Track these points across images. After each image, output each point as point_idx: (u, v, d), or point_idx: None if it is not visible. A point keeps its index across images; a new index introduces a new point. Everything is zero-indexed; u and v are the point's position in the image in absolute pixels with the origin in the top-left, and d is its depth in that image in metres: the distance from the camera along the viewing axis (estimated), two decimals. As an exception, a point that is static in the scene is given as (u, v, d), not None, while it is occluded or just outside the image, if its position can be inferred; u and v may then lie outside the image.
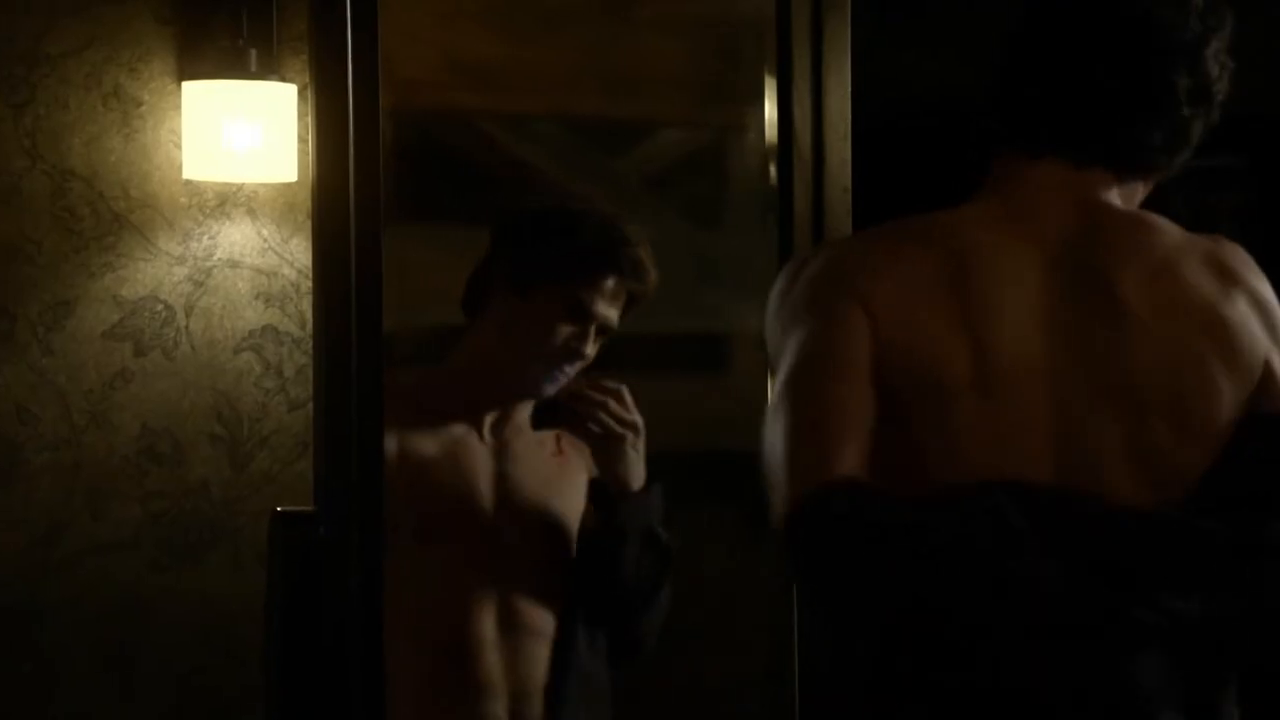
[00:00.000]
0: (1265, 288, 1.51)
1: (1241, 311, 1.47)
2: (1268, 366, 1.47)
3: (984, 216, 1.49)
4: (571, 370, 2.28)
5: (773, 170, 2.39)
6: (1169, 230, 1.50)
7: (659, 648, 2.35)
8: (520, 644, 2.27)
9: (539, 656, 2.28)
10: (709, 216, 2.86)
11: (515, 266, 2.27)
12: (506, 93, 2.76)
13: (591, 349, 2.27)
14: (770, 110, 2.37)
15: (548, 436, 2.35)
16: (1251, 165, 3.39)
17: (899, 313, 1.46)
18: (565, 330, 2.26)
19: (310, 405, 2.36)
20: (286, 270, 2.50)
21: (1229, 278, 1.49)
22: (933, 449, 1.45)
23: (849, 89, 2.32)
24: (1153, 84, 1.47)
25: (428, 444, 2.25)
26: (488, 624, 2.26)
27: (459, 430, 2.27)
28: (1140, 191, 1.54)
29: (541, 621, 2.29)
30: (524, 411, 2.34)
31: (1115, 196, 1.51)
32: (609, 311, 2.28)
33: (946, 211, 1.51)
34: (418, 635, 2.22)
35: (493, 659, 2.25)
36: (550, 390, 2.29)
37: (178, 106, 2.43)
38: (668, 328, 2.78)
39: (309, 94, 2.18)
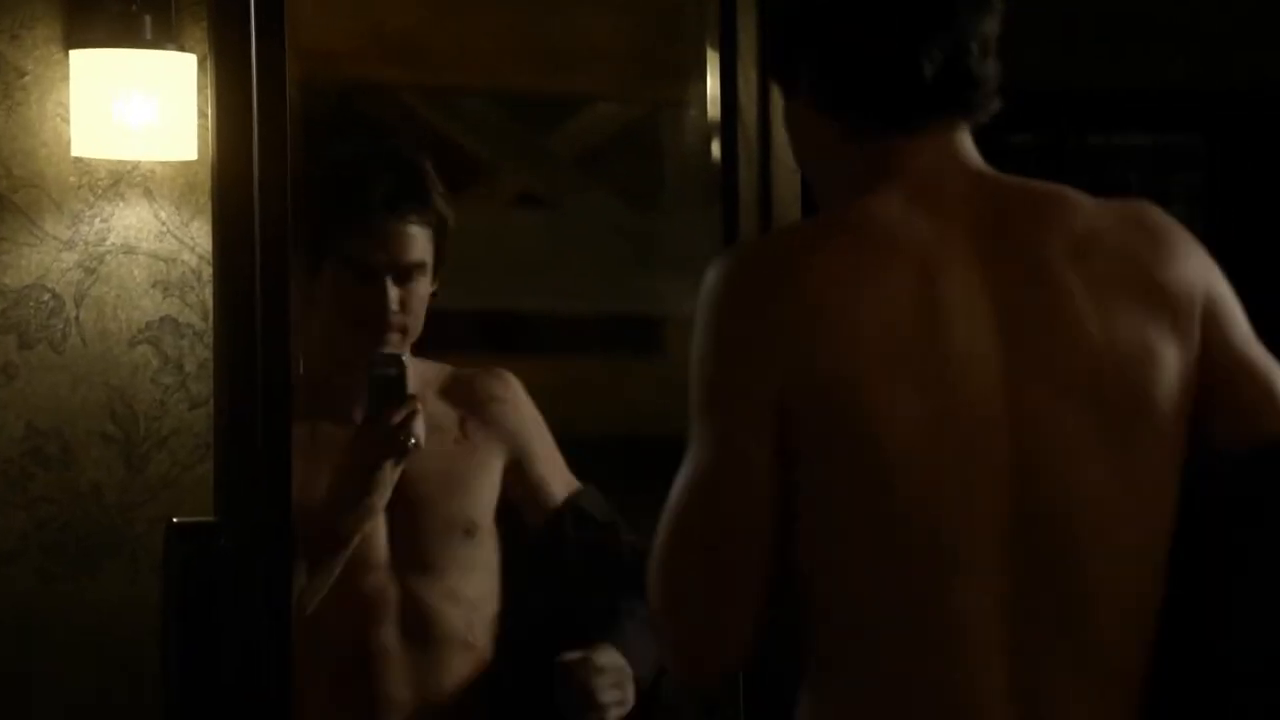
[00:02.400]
0: (1190, 242, 1.43)
1: (1173, 271, 1.40)
2: (1209, 314, 1.41)
3: (910, 207, 1.42)
4: (395, 336, 2.12)
5: (715, 148, 2.31)
6: (1083, 199, 1.44)
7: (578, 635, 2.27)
8: (427, 653, 2.18)
9: (450, 665, 2.18)
10: (646, 195, 2.85)
11: (306, 235, 2.11)
12: (430, 65, 2.75)
13: (398, 296, 2.10)
14: (713, 85, 2.30)
15: (449, 418, 2.21)
16: (1208, 143, 3.36)
17: (847, 361, 1.38)
18: (358, 298, 2.10)
19: (213, 403, 2.33)
20: (187, 256, 2.42)
21: (1156, 238, 1.42)
22: (870, 493, 1.37)
23: None
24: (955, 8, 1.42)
25: (303, 444, 2.12)
26: (389, 633, 2.16)
27: (329, 425, 2.15)
28: (969, 139, 1.48)
29: (451, 628, 2.18)
30: (410, 386, 2.18)
31: (973, 150, 1.46)
32: (405, 253, 2.11)
33: (869, 203, 1.43)
34: (316, 647, 2.13)
35: (397, 670, 2.16)
36: (357, 370, 2.13)
37: (65, 77, 2.36)
38: (601, 309, 2.77)
39: (208, 64, 2.15)
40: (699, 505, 1.39)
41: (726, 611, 1.39)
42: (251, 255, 2.03)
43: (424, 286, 2.13)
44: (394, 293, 2.09)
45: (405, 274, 2.10)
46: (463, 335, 2.48)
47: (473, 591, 2.21)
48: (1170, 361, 1.39)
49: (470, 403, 2.23)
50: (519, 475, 2.24)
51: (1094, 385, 1.38)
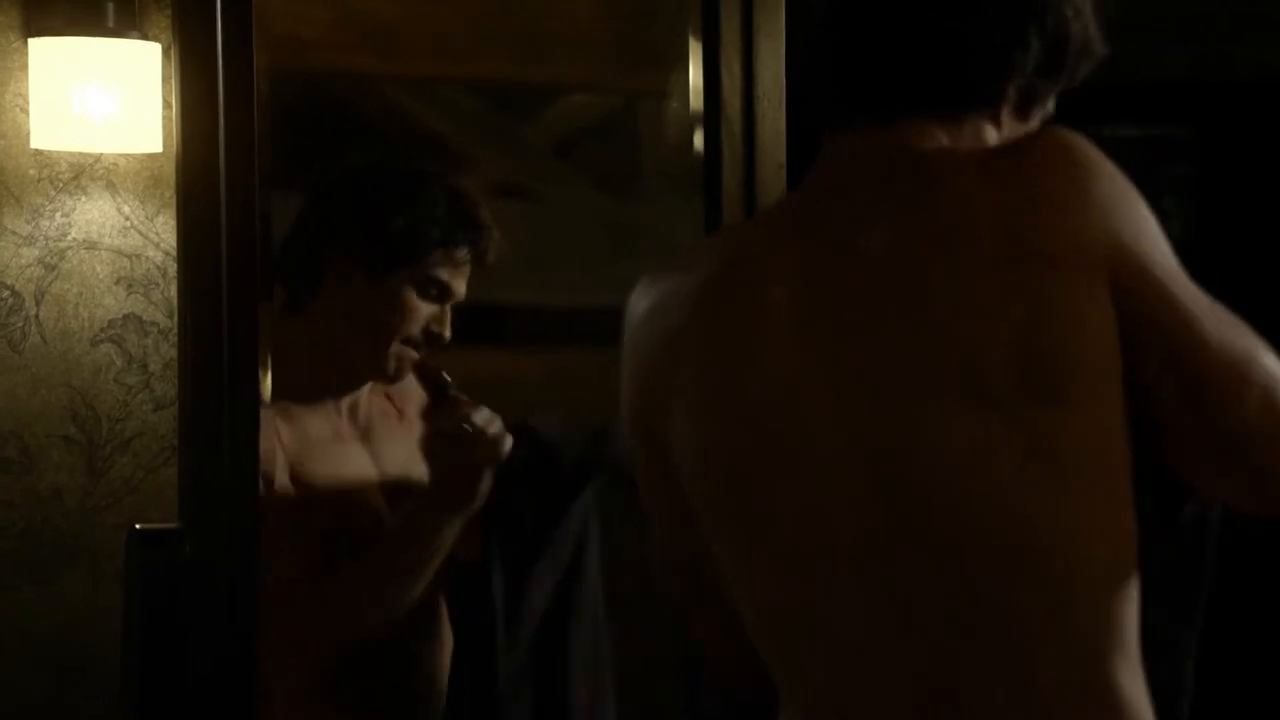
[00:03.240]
0: (1102, 176, 1.31)
1: (1072, 215, 1.27)
2: (1119, 256, 1.27)
3: (798, 210, 1.38)
4: (428, 351, 2.21)
5: (697, 140, 2.30)
6: (953, 156, 1.34)
7: (564, 629, 2.30)
8: (424, 646, 2.19)
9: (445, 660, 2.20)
10: (626, 186, 2.83)
11: (357, 247, 2.16)
12: (406, 53, 2.72)
13: (449, 328, 2.20)
14: (695, 75, 2.28)
15: (378, 399, 2.27)
16: (1200, 135, 3.32)
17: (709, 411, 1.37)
18: (424, 313, 2.19)
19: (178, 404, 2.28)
20: (151, 252, 2.35)
21: (1033, 193, 1.29)
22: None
23: (784, 52, 2.21)
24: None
25: (300, 446, 2.15)
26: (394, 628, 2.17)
27: (320, 423, 2.18)
28: (987, 126, 1.37)
29: (440, 622, 2.21)
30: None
31: (933, 142, 1.37)
32: (462, 285, 2.21)
33: (762, 212, 1.43)
34: (304, 647, 2.12)
35: (398, 664, 2.17)
36: (406, 374, 2.22)
37: (24, 66, 2.28)
38: (581, 301, 2.76)
39: (173, 53, 2.10)
40: (651, 525, 1.43)
41: (713, 633, 1.41)
42: (217, 251, 2.00)
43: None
44: (450, 313, 2.19)
45: (457, 302, 2.21)
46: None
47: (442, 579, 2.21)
48: (1071, 329, 1.27)
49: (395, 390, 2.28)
50: None
51: (977, 386, 1.27)
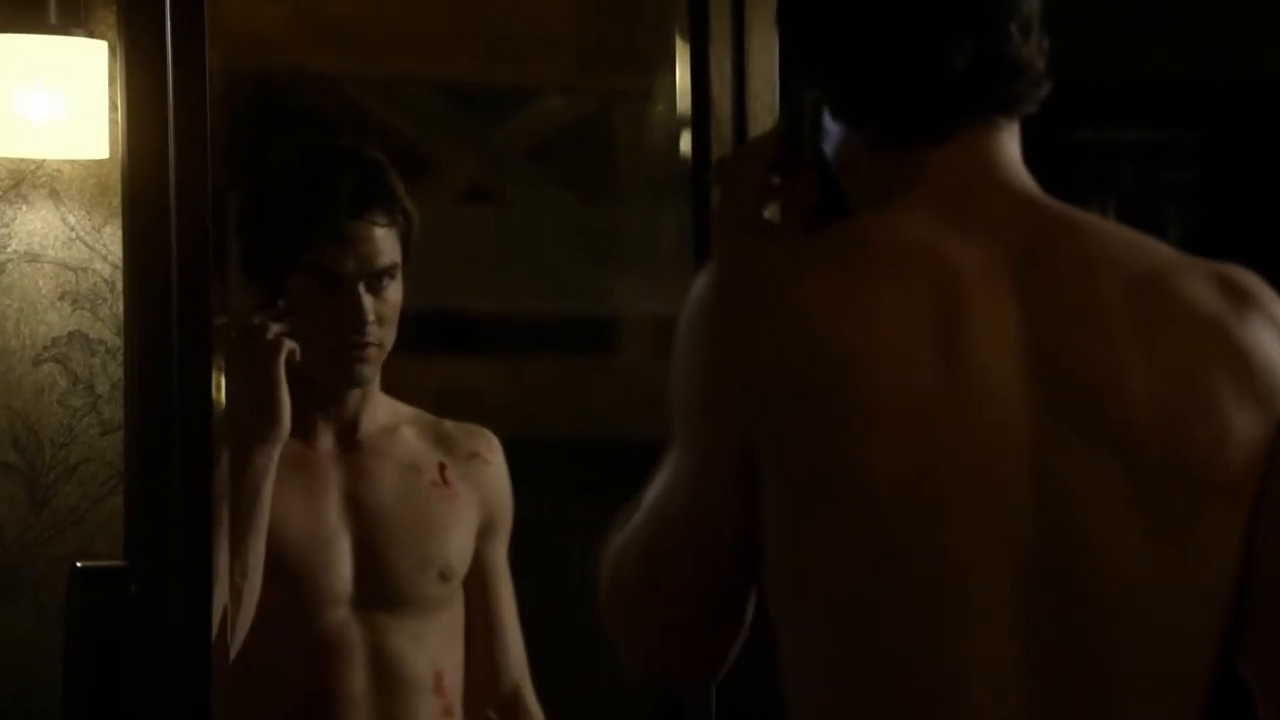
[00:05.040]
0: None
1: (1255, 332, 1.29)
2: None
3: (935, 223, 1.31)
4: (373, 350, 2.07)
5: (683, 144, 2.22)
6: (1146, 242, 1.33)
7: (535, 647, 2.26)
8: (394, 701, 2.11)
9: (416, 712, 2.11)
10: (604, 191, 2.84)
11: (246, 257, 2.06)
12: (371, 52, 2.71)
13: (373, 306, 2.04)
14: (682, 76, 2.20)
15: (428, 460, 2.15)
16: (1205, 139, 3.33)
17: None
18: (332, 308, 2.04)
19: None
20: (98, 265, 2.25)
21: (1240, 297, 1.31)
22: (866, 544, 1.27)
23: (777, 51, 2.13)
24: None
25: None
26: (355, 677, 2.08)
27: (291, 447, 2.06)
28: (1017, 138, 1.36)
29: (418, 675, 2.12)
30: (383, 416, 2.14)
31: (1016, 156, 1.34)
32: (375, 258, 2.05)
33: (886, 217, 1.32)
34: (271, 691, 2.04)
35: (362, 718, 2.09)
36: (366, 373, 2.08)
37: None
38: (555, 309, 2.77)
39: (119, 51, 2.04)
40: (668, 524, 1.33)
41: (701, 638, 1.35)
42: (167, 264, 1.95)
43: (396, 292, 2.08)
44: (368, 302, 2.04)
45: (377, 280, 2.05)
46: (410, 336, 2.42)
47: (443, 640, 2.14)
48: (1238, 430, 1.27)
49: (451, 452, 2.18)
50: (482, 547, 2.17)
51: (1133, 441, 1.26)
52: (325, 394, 2.09)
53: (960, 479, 1.25)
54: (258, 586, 1.97)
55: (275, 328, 1.99)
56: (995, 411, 1.25)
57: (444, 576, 2.12)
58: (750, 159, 1.43)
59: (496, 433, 2.21)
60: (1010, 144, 1.33)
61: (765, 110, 2.11)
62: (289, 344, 1.99)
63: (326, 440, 2.11)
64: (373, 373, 2.09)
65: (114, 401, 2.22)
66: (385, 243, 2.05)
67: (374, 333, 2.05)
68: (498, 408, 2.62)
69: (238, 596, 1.95)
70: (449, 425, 2.19)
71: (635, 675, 1.39)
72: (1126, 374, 1.26)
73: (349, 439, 2.12)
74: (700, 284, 1.32)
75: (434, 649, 2.12)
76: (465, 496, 2.16)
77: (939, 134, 1.31)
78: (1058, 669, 1.26)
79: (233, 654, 1.94)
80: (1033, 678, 1.26)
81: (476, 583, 2.16)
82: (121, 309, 2.21)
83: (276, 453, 1.98)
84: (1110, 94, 3.24)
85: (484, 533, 2.17)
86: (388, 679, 2.10)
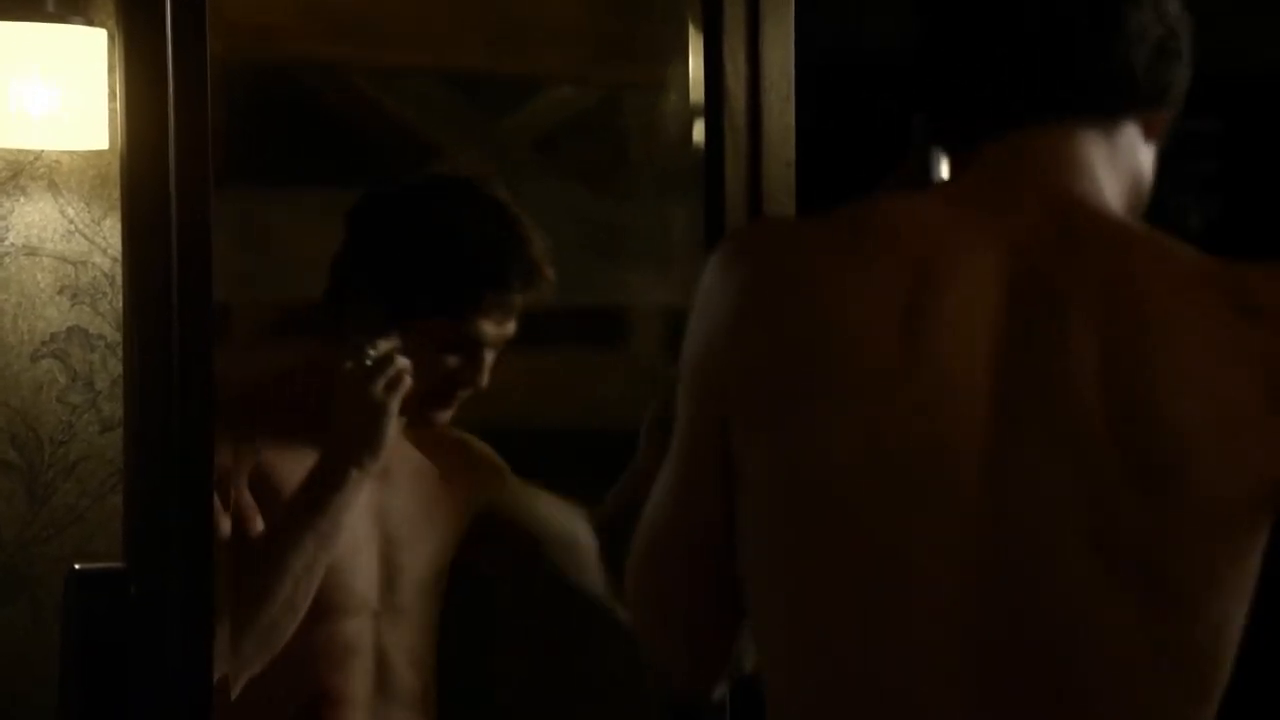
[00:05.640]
0: None
1: (1257, 364, 1.23)
2: None
3: (945, 210, 1.31)
4: (466, 394, 2.10)
5: (696, 136, 2.18)
6: (1165, 250, 1.28)
7: (537, 643, 2.29)
8: (392, 707, 2.11)
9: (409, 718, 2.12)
10: (613, 183, 2.83)
11: (386, 293, 2.05)
12: (373, 42, 2.69)
13: (487, 374, 2.09)
14: (695, 67, 2.17)
15: (428, 466, 2.17)
16: (1225, 130, 3.28)
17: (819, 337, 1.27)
18: (454, 362, 2.08)
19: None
20: (98, 258, 2.23)
21: (1254, 317, 1.25)
22: (824, 528, 1.26)
23: (792, 41, 2.10)
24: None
25: (288, 466, 2.03)
26: (361, 681, 2.08)
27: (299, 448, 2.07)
28: (1139, 143, 1.34)
29: (410, 685, 2.12)
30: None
31: (1105, 161, 1.31)
32: (503, 330, 2.10)
33: (897, 201, 1.33)
34: (274, 693, 2.02)
35: None
36: (443, 419, 2.11)
37: None
38: (562, 301, 2.69)
39: (117, 40, 2.00)
40: (666, 514, 1.33)
41: (701, 628, 1.35)
42: (167, 258, 1.92)
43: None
44: (487, 359, 2.09)
45: (500, 343, 2.11)
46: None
47: (426, 646, 2.15)
48: (1220, 472, 1.21)
49: (451, 461, 2.20)
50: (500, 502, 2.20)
51: (1092, 449, 1.22)
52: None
53: (909, 466, 1.23)
54: (309, 603, 1.97)
55: (402, 364, 1.99)
56: (950, 400, 1.23)
57: (439, 582, 2.14)
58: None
59: (504, 425, 2.22)
60: (1086, 144, 1.30)
61: (780, 101, 2.08)
62: (409, 383, 1.99)
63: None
64: None
65: (114, 398, 2.21)
66: (516, 316, 2.09)
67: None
68: (505, 400, 2.64)
69: (295, 611, 1.95)
70: (446, 432, 2.19)
71: (659, 681, 1.39)
72: (1085, 379, 1.22)
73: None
74: (711, 258, 1.33)
75: (420, 653, 2.12)
76: (463, 498, 2.17)
77: (993, 132, 1.31)
78: (1008, 676, 1.23)
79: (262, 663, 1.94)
80: (982, 684, 1.23)
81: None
82: (121, 303, 2.19)
83: (366, 483, 1.99)
84: None
85: (480, 503, 2.20)
86: (388, 684, 2.09)
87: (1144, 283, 1.24)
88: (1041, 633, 1.22)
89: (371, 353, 1.98)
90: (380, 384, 1.96)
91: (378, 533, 2.10)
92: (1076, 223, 1.28)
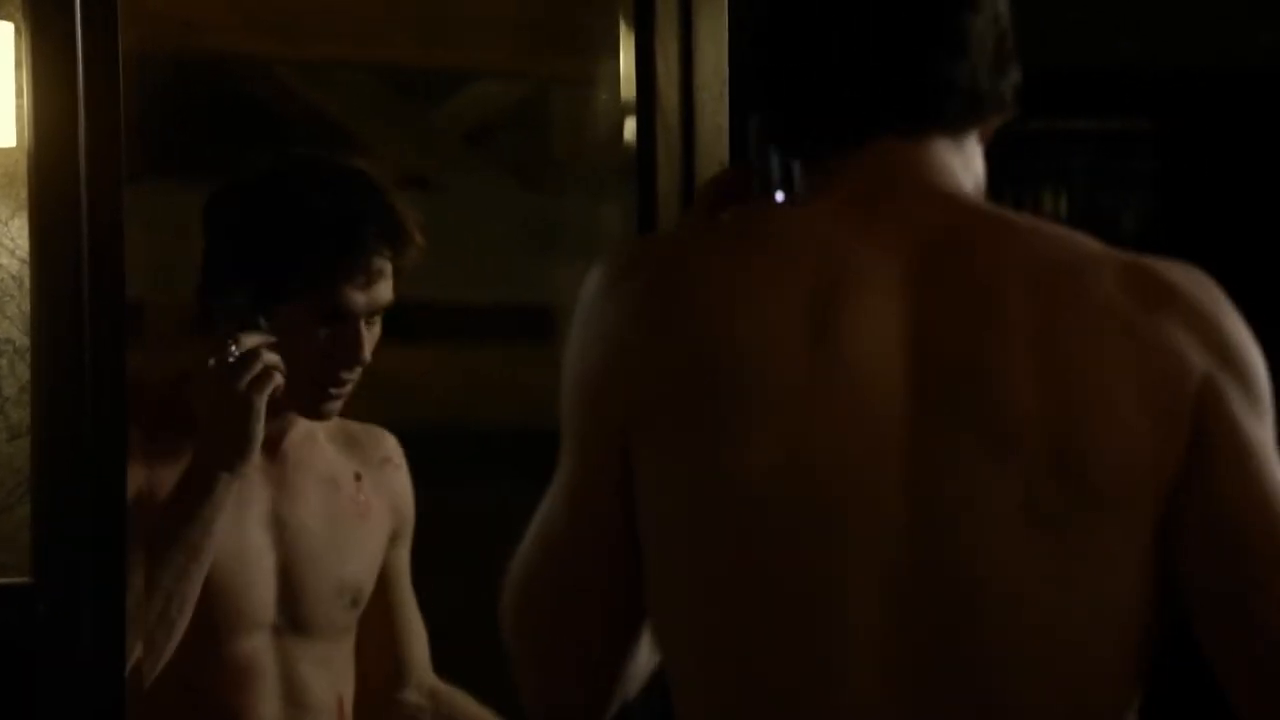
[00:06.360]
0: (1215, 312, 1.28)
1: (1167, 329, 1.25)
2: (1206, 396, 1.24)
3: (833, 219, 1.30)
4: (351, 375, 2.00)
5: (627, 133, 2.19)
6: (1069, 238, 1.30)
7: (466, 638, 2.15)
8: None
9: None
10: (543, 178, 2.83)
11: (246, 281, 1.96)
12: (298, 34, 2.70)
13: (369, 344, 1.99)
14: (626, 63, 2.16)
15: (345, 473, 2.07)
16: (1160, 128, 3.31)
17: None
18: (328, 340, 1.97)
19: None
20: (5, 260, 2.14)
21: (1156, 295, 1.27)
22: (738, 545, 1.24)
23: (726, 39, 2.08)
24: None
25: (167, 476, 1.95)
26: (269, 704, 2.02)
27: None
28: (978, 148, 1.35)
29: (324, 703, 2.05)
30: (303, 423, 2.05)
31: (960, 168, 1.33)
32: (377, 295, 1.99)
33: (781, 213, 1.32)
34: (182, 717, 1.96)
35: None
36: (334, 408, 2.01)
37: None
38: (492, 297, 2.79)
39: (24, 34, 1.97)
40: (555, 543, 1.31)
41: (591, 658, 1.32)
42: (77, 259, 1.90)
43: (378, 326, 2.01)
44: (366, 335, 1.98)
45: (374, 316, 1.99)
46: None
47: (345, 663, 2.07)
48: (1142, 432, 1.22)
49: (365, 460, 2.11)
50: (388, 552, 2.10)
51: (1019, 444, 1.22)
52: (270, 411, 1.98)
53: (827, 482, 1.21)
54: (189, 617, 1.88)
55: (269, 359, 1.91)
56: (867, 408, 1.22)
57: (354, 602, 2.06)
58: (702, 195, 1.43)
59: (434, 422, 2.16)
60: (945, 156, 1.31)
61: (713, 100, 2.06)
62: (279, 378, 1.91)
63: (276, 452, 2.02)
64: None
65: (21, 405, 2.10)
66: (390, 280, 1.99)
67: (358, 370, 2.00)
68: (435, 397, 2.59)
69: (170, 626, 1.86)
70: (356, 428, 2.12)
71: (532, 714, 1.35)
72: (1014, 372, 1.22)
73: (274, 450, 2.02)
74: (591, 274, 1.30)
75: (337, 673, 2.05)
76: (378, 511, 2.09)
77: (847, 142, 1.30)
78: (939, 688, 1.21)
79: (147, 682, 1.85)
80: (911, 697, 1.21)
81: (380, 590, 2.10)
82: (30, 306, 2.08)
83: (237, 486, 1.90)
84: (1063, 83, 3.21)
85: (391, 540, 2.11)
86: (296, 706, 2.03)
87: (1051, 270, 1.24)
88: (975, 641, 1.21)
89: (233, 348, 1.89)
90: (244, 380, 1.87)
91: (274, 544, 2.02)
92: (964, 220, 1.28)
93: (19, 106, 2.04)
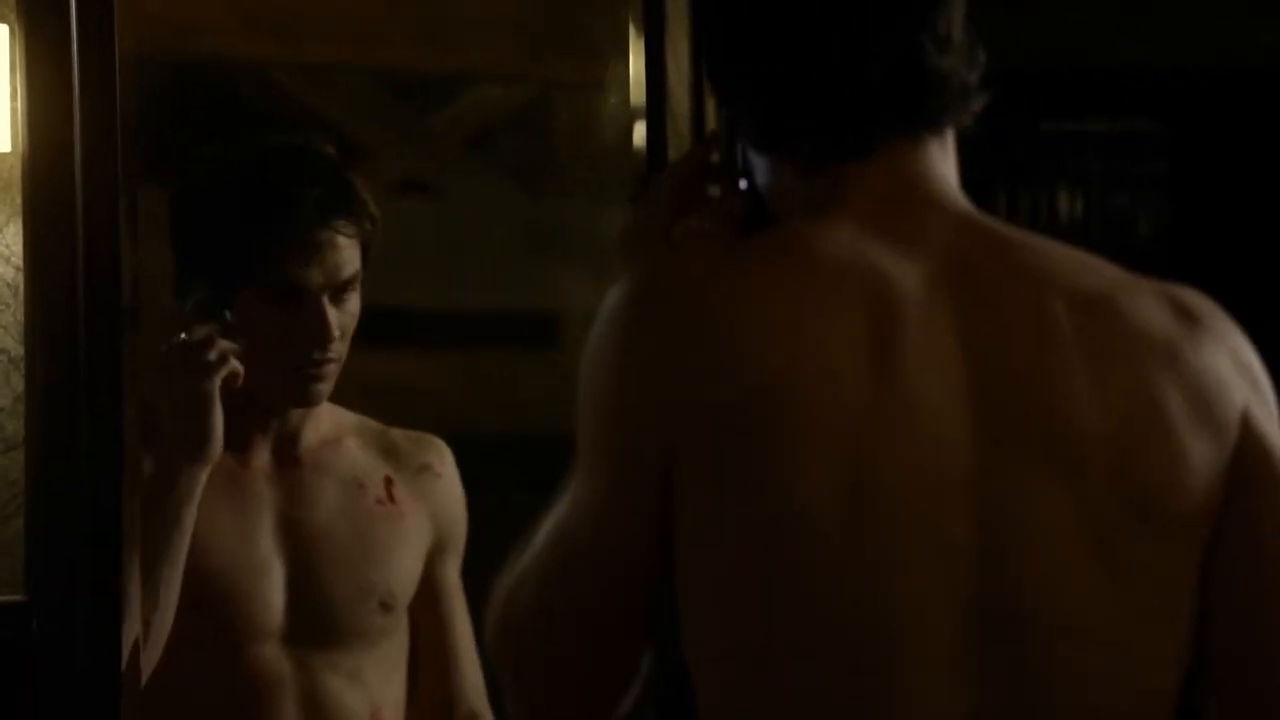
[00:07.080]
0: (1239, 339, 1.30)
1: (1209, 355, 1.26)
2: (1247, 423, 1.26)
3: (865, 238, 1.28)
4: (325, 354, 1.94)
5: (636, 138, 2.17)
6: (1088, 259, 1.30)
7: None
8: None
9: None
10: (545, 183, 2.83)
11: (206, 270, 1.92)
12: (299, 38, 2.71)
13: (338, 320, 1.93)
14: (636, 67, 2.14)
15: (373, 476, 2.02)
16: (1173, 130, 3.30)
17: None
18: (291, 324, 1.92)
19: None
20: (0, 268, 2.12)
21: (1192, 318, 1.28)
22: (794, 576, 1.22)
23: None
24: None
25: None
26: (288, 716, 1.96)
27: (225, 464, 1.95)
28: (953, 149, 1.35)
29: (355, 711, 2.00)
30: (325, 427, 2.01)
31: (950, 172, 1.32)
32: (334, 269, 1.93)
33: (812, 228, 1.29)
34: None
35: None
36: (323, 391, 1.96)
37: None
38: (493, 302, 2.80)
39: (18, 36, 1.96)
40: (575, 562, 1.28)
41: (599, 681, 1.29)
42: (73, 267, 1.90)
43: (356, 304, 1.95)
44: (333, 315, 1.91)
45: (340, 292, 1.93)
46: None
47: (382, 674, 2.01)
48: (1193, 459, 1.22)
49: (399, 465, 2.06)
50: (433, 567, 2.05)
51: (1083, 470, 1.21)
52: (265, 407, 1.97)
53: (894, 511, 1.19)
54: (169, 621, 1.85)
55: (221, 345, 1.87)
56: (934, 437, 1.20)
57: (385, 606, 2.01)
58: (667, 177, 1.41)
59: (436, 429, 2.13)
60: (939, 159, 1.30)
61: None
62: (233, 365, 1.87)
63: (262, 456, 1.98)
64: (330, 390, 1.98)
65: (16, 416, 2.07)
66: (350, 252, 1.94)
67: (336, 349, 1.94)
68: (436, 403, 2.60)
69: (146, 629, 1.82)
70: (396, 434, 2.08)
71: None
72: (1075, 398, 1.21)
73: (287, 454, 1.98)
74: (613, 296, 1.26)
75: (372, 685, 2.00)
76: (414, 515, 2.04)
77: (859, 150, 1.28)
78: (1007, 714, 1.20)
79: (144, 679, 1.82)
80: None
81: (427, 606, 2.06)
82: (24, 315, 2.07)
83: (203, 476, 1.86)
84: (1075, 85, 3.24)
85: (435, 552, 2.06)
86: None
87: (1086, 293, 1.24)
88: (1042, 666, 1.20)
89: (184, 336, 1.86)
90: (195, 367, 1.84)
91: (285, 550, 1.98)
92: (989, 241, 1.27)
93: (13, 110, 2.03)
